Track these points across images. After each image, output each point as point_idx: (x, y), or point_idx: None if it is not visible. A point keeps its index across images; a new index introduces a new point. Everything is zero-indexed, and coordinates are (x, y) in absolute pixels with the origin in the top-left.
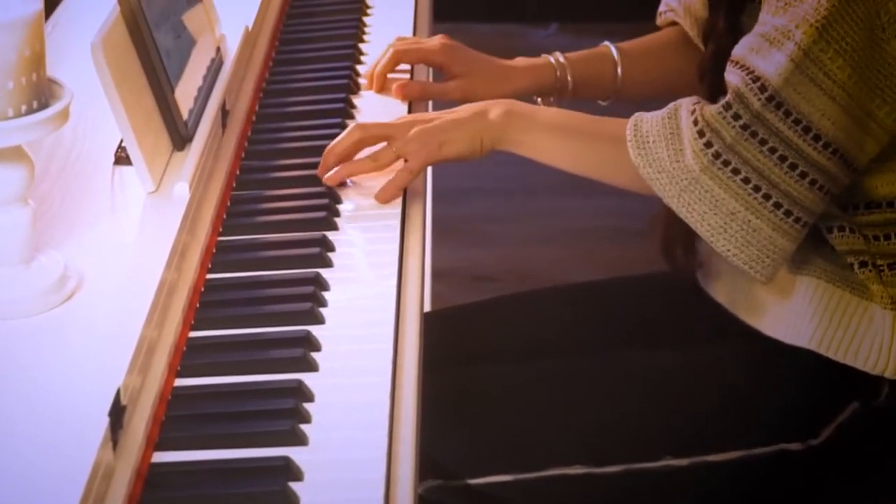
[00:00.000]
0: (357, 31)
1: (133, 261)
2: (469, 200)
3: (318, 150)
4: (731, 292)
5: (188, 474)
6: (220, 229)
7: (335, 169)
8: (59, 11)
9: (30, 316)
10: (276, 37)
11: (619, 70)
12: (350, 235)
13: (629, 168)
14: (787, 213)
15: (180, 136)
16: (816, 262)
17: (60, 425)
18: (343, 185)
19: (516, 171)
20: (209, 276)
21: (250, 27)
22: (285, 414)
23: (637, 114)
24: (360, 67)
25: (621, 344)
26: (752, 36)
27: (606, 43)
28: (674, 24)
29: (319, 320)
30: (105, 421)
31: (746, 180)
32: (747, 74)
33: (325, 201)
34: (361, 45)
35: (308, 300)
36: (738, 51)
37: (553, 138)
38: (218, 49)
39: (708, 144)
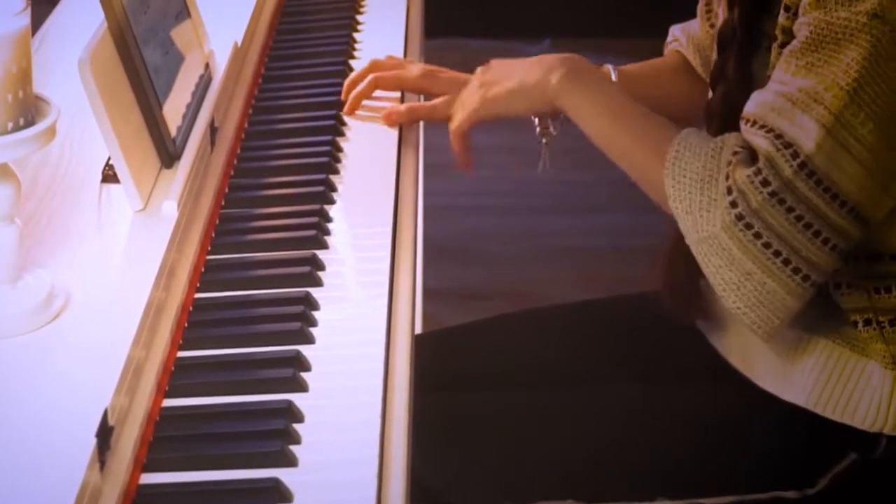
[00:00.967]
0: (347, 48)
1: (121, 280)
2: (461, 218)
3: (309, 168)
4: (726, 339)
5: (176, 496)
6: (209, 248)
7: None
8: (46, 27)
9: (16, 335)
10: (266, 53)
11: None
12: (340, 254)
13: (662, 188)
14: (805, 278)
15: (168, 154)
16: (815, 319)
17: (47, 446)
18: (331, 200)
19: (509, 188)
20: (197, 295)
21: (239, 43)
22: (275, 435)
23: (688, 130)
24: None
25: (616, 374)
26: (770, 94)
27: (607, 66)
28: (677, 52)
29: (309, 340)
30: (92, 442)
31: (767, 245)
32: (776, 138)
33: (315, 220)
34: (352, 62)
35: (298, 320)
36: (757, 110)
37: (601, 124)
38: (207, 65)
39: (733, 204)
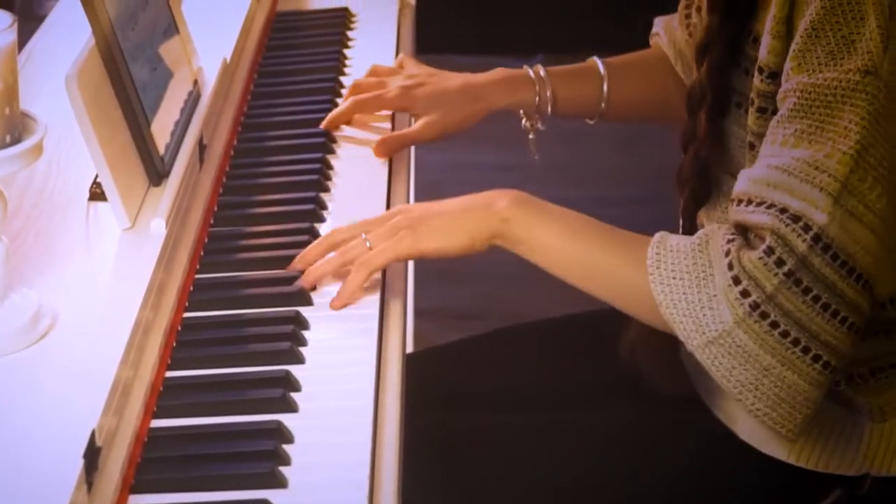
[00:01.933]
0: (338, 64)
1: (108, 299)
2: None
3: (299, 186)
4: (710, 395)
5: None
6: (198, 267)
7: (317, 264)
8: (33, 43)
9: (2, 355)
10: (255, 69)
11: (605, 86)
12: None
13: (643, 294)
14: (826, 365)
15: (157, 172)
16: None
17: (34, 467)
18: (321, 218)
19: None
20: (186, 314)
21: (228, 59)
22: (264, 456)
23: (661, 233)
24: (340, 101)
25: (609, 393)
26: (762, 170)
27: (594, 58)
28: None
29: (299, 360)
30: (80, 463)
31: (785, 334)
32: (781, 213)
33: (305, 238)
34: (342, 78)
35: (288, 339)
36: (749, 188)
37: (562, 242)
38: (195, 82)
39: (745, 293)
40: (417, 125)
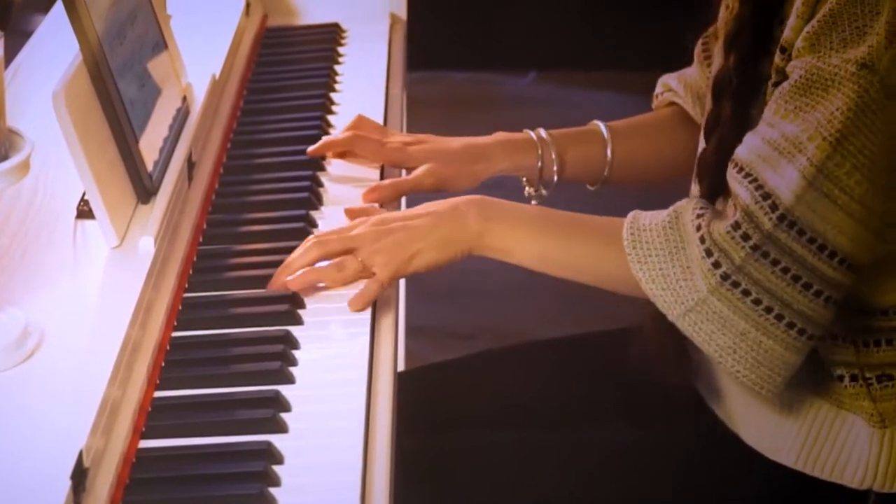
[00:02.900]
0: (328, 81)
1: (96, 318)
2: None
3: (289, 204)
4: (715, 398)
5: None
6: (186, 285)
7: (299, 272)
8: (20, 59)
9: None
10: (245, 86)
11: (609, 150)
12: (321, 291)
13: (624, 274)
14: (801, 332)
15: (145, 189)
16: (802, 376)
17: (21, 487)
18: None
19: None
20: (175, 333)
21: (217, 76)
22: (254, 477)
23: (633, 214)
24: (331, 118)
25: (603, 413)
26: (758, 139)
27: (596, 121)
28: (670, 104)
29: (289, 380)
30: (67, 484)
31: (757, 301)
32: (756, 189)
33: None
34: (333, 95)
35: (277, 359)
36: (745, 155)
37: (534, 239)
38: (184, 98)
39: (716, 265)
40: (416, 172)
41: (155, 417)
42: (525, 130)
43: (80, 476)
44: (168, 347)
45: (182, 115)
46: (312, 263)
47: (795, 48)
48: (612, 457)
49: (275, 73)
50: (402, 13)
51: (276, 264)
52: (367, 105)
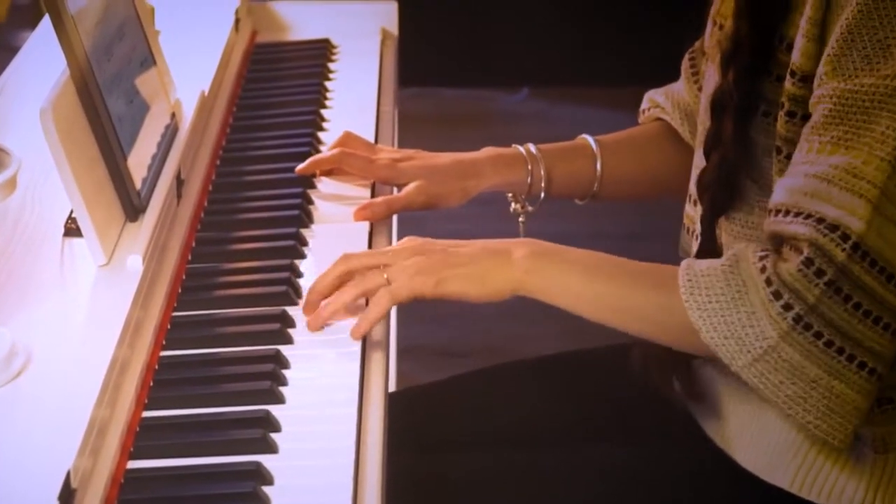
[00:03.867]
0: (319, 97)
1: (84, 337)
2: None
3: (279, 222)
4: (708, 419)
5: None
6: (175, 304)
7: (327, 301)
8: (7, 75)
9: None
10: (234, 102)
11: (598, 165)
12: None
13: (681, 324)
14: (871, 372)
15: (133, 207)
16: None
17: None
18: (302, 255)
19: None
20: (163, 353)
21: (207, 92)
22: (243, 498)
23: (688, 260)
24: (322, 135)
25: (596, 433)
26: (797, 178)
27: (584, 136)
28: (657, 120)
29: (279, 399)
30: None
31: (830, 343)
32: (818, 223)
33: (285, 275)
34: (323, 112)
35: (267, 378)
36: (787, 198)
37: (586, 283)
38: (173, 115)
39: (787, 307)
40: (407, 189)
41: (143, 438)
42: (514, 145)
43: (67, 497)
44: (156, 367)
45: (171, 132)
46: (339, 282)
47: (818, 76)
48: (606, 478)
49: (265, 89)
50: (394, 29)
51: (266, 283)
52: (358, 122)
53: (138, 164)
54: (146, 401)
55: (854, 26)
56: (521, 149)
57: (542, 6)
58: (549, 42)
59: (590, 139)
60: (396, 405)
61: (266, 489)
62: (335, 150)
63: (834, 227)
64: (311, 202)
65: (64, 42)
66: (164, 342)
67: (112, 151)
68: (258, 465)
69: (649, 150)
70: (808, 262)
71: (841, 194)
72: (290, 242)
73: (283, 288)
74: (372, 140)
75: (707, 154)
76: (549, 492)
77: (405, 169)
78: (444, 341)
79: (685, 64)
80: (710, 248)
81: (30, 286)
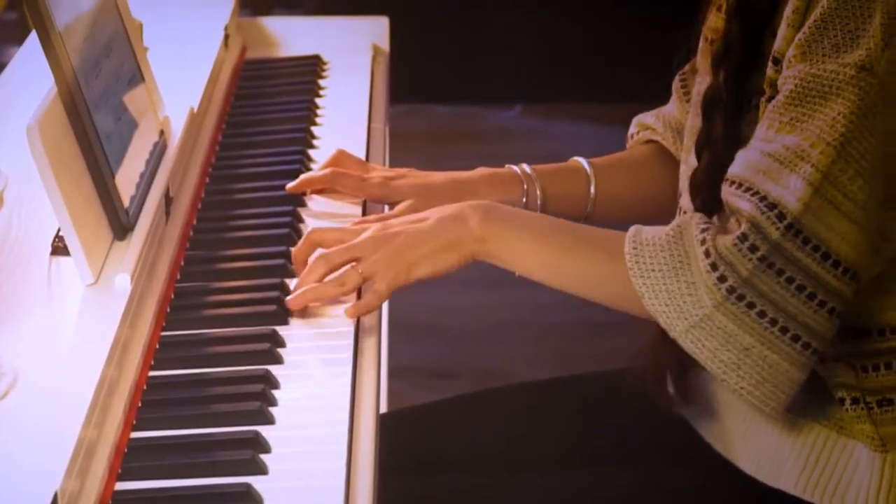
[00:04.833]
0: (309, 114)
1: (71, 357)
2: (427, 291)
3: (268, 240)
4: (709, 424)
5: None
6: (164, 323)
7: (298, 291)
8: None
9: None
10: (224, 119)
11: (592, 187)
12: (302, 330)
13: (625, 289)
14: (805, 346)
15: (121, 225)
16: (801, 400)
17: None
18: (292, 273)
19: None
20: (152, 373)
21: (196, 109)
22: None
23: (635, 228)
24: (312, 152)
25: (590, 456)
26: (754, 153)
27: (577, 158)
28: (648, 142)
29: (269, 420)
30: None
31: (762, 314)
32: (760, 201)
33: (275, 294)
34: (314, 129)
35: (257, 399)
36: (742, 171)
37: (537, 250)
38: (161, 132)
39: (722, 279)
40: (399, 207)
41: (131, 459)
42: (508, 166)
43: None
44: (145, 387)
45: (159, 150)
46: (321, 280)
47: (787, 58)
48: (602, 501)
49: (254, 106)
50: (385, 45)
51: (256, 302)
52: (348, 139)
53: (126, 181)
54: (134, 421)
55: (828, 15)
56: (516, 168)
57: (534, 23)
58: (541, 58)
59: (583, 161)
60: (388, 426)
61: None
62: (327, 170)
63: (772, 206)
64: (301, 221)
65: (51, 58)
66: (152, 362)
67: (100, 169)
68: (248, 486)
69: (642, 172)
70: (743, 237)
71: (786, 174)
72: (280, 261)
73: (272, 307)
74: (363, 157)
75: (698, 154)
76: None
77: (398, 187)
78: (435, 361)
79: (676, 84)
80: None
81: (17, 305)
